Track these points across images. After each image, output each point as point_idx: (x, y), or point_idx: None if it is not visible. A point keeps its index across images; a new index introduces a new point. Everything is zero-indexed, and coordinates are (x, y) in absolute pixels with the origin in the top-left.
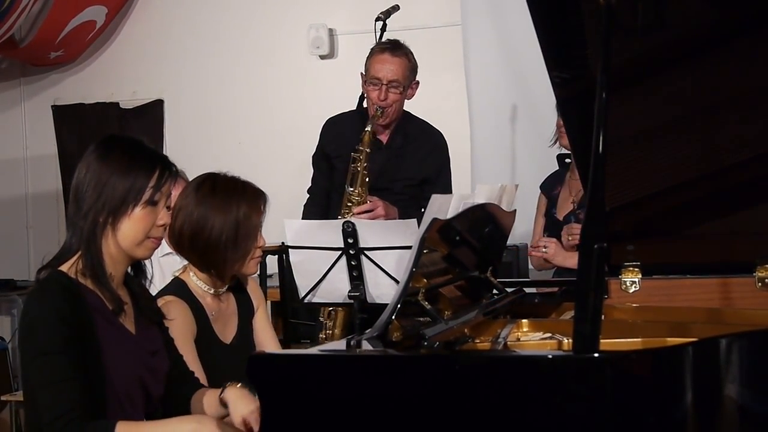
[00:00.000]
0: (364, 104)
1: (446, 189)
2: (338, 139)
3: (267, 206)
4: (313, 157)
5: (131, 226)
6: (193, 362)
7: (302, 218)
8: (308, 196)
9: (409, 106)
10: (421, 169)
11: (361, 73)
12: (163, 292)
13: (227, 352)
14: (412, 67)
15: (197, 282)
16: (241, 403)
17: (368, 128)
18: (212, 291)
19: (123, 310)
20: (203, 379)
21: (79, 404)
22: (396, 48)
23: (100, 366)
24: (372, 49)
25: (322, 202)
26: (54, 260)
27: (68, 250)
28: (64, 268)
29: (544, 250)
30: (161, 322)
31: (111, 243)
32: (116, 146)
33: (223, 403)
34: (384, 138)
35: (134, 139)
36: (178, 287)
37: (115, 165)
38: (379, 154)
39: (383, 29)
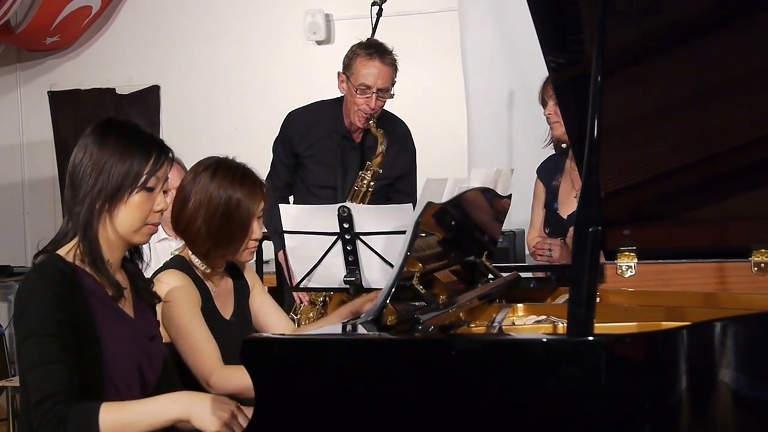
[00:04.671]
0: None
1: (414, 181)
2: (308, 136)
3: (266, 198)
4: (274, 146)
5: (128, 213)
6: (203, 331)
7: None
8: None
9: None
10: (395, 166)
11: (341, 73)
12: (164, 268)
13: (227, 328)
14: (396, 70)
15: (196, 262)
16: None
17: (382, 149)
18: (209, 270)
19: (122, 296)
20: (215, 351)
21: (66, 387)
22: (384, 53)
23: (97, 351)
24: (355, 51)
25: (284, 195)
26: (50, 245)
27: (65, 235)
28: (61, 252)
29: (548, 253)
30: (155, 310)
31: (108, 229)
32: (113, 131)
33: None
34: (357, 137)
35: (131, 123)
36: (179, 263)
37: (111, 150)
38: (353, 153)
39: (379, 14)
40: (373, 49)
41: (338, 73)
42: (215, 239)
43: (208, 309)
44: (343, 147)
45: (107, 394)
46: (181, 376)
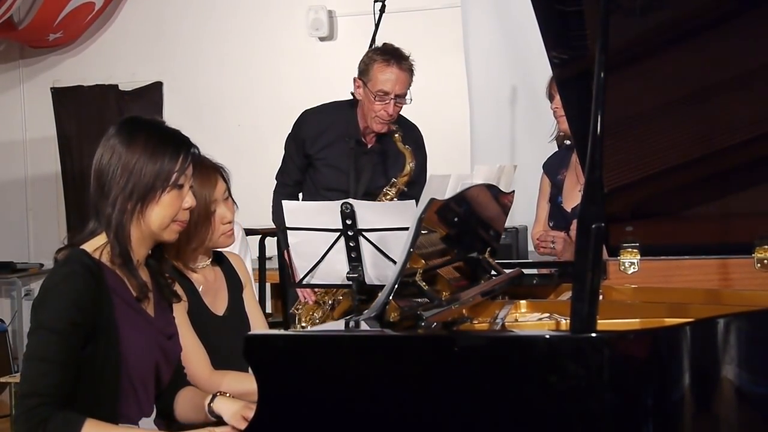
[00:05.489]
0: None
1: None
2: (321, 138)
3: (227, 178)
4: (286, 144)
5: (159, 212)
6: (190, 337)
7: (273, 207)
8: (278, 182)
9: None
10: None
11: (357, 78)
12: None
13: (220, 324)
14: (413, 74)
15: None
16: (233, 416)
17: (410, 167)
18: (194, 266)
19: (146, 296)
20: (203, 357)
21: (56, 390)
22: (401, 58)
23: (116, 350)
24: (372, 56)
25: (293, 193)
26: (76, 241)
27: (91, 233)
28: (87, 247)
29: (552, 246)
30: (172, 306)
31: (138, 228)
32: (141, 131)
33: (213, 414)
34: (370, 141)
35: (156, 121)
36: None
37: (141, 151)
38: (365, 158)
39: (382, 11)
40: (389, 54)
41: (354, 79)
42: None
43: (196, 307)
44: (356, 152)
45: (123, 392)
46: None
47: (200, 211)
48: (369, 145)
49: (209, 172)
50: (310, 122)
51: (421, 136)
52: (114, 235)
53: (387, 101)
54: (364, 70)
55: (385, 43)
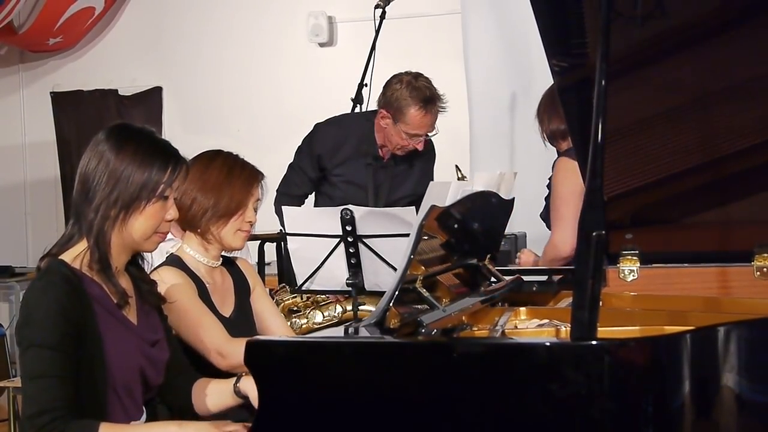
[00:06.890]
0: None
1: None
2: (339, 153)
3: (262, 188)
4: (298, 157)
5: (142, 222)
6: (206, 312)
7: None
8: (281, 194)
9: None
10: (421, 183)
11: (384, 111)
12: (159, 266)
13: (227, 325)
14: None
15: (191, 253)
16: None
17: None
18: (206, 261)
19: (127, 302)
20: (221, 328)
21: (64, 402)
22: (437, 102)
23: (101, 359)
24: (407, 98)
25: (299, 206)
26: (55, 248)
27: (70, 238)
28: (66, 257)
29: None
30: (161, 309)
31: (119, 236)
32: (131, 139)
33: (240, 394)
34: (384, 154)
35: (147, 130)
36: (173, 261)
37: (130, 159)
38: (382, 172)
39: (382, 17)
40: (428, 102)
41: (380, 111)
42: (206, 211)
43: (205, 302)
44: (374, 167)
45: (109, 400)
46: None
47: (243, 184)
48: (385, 159)
49: (253, 174)
50: (327, 136)
51: (431, 146)
52: (94, 240)
53: (418, 140)
54: (398, 109)
55: (419, 81)
